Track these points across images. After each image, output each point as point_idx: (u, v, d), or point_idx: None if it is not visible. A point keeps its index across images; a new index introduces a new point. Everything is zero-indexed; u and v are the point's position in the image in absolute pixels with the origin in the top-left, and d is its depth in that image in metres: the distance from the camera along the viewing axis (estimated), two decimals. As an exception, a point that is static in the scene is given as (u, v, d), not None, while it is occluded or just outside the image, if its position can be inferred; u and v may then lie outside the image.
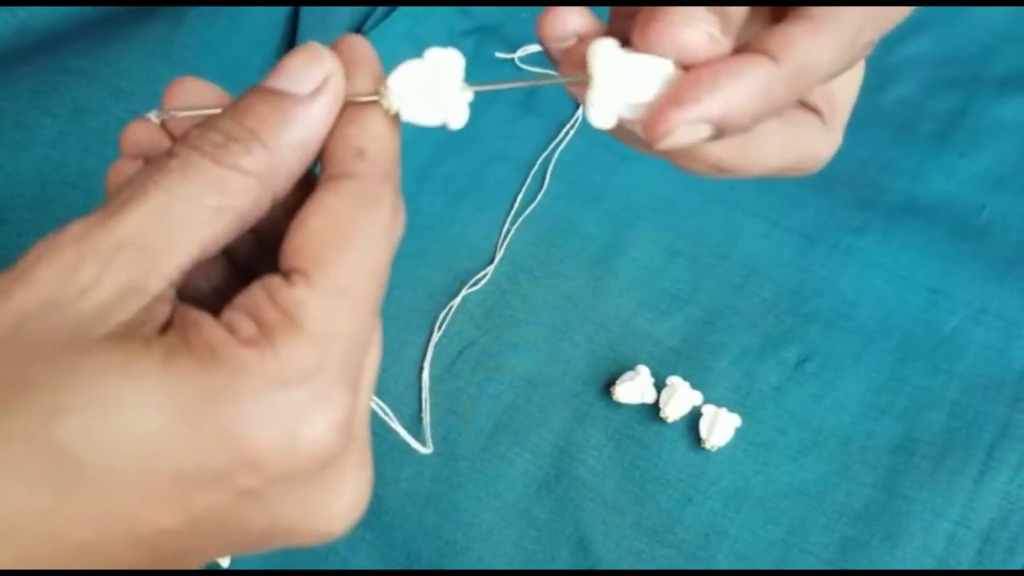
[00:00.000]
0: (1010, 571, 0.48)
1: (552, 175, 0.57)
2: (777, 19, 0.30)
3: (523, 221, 0.55)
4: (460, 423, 0.51)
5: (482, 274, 0.54)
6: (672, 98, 0.27)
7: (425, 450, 0.49)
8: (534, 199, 0.56)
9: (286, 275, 0.25)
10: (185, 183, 0.25)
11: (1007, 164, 0.57)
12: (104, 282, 0.24)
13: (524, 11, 0.61)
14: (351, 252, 0.25)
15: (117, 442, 0.22)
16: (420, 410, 0.51)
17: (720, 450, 0.50)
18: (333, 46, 0.28)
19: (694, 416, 0.50)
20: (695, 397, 0.51)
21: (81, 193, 0.50)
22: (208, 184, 0.25)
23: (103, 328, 0.23)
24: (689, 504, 0.49)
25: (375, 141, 0.27)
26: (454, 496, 0.49)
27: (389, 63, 0.62)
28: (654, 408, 0.51)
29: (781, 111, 0.29)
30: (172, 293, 0.25)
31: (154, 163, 0.25)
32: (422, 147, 0.57)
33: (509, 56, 0.59)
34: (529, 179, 0.57)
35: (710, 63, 0.27)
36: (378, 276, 0.25)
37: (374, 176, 0.26)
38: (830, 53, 0.29)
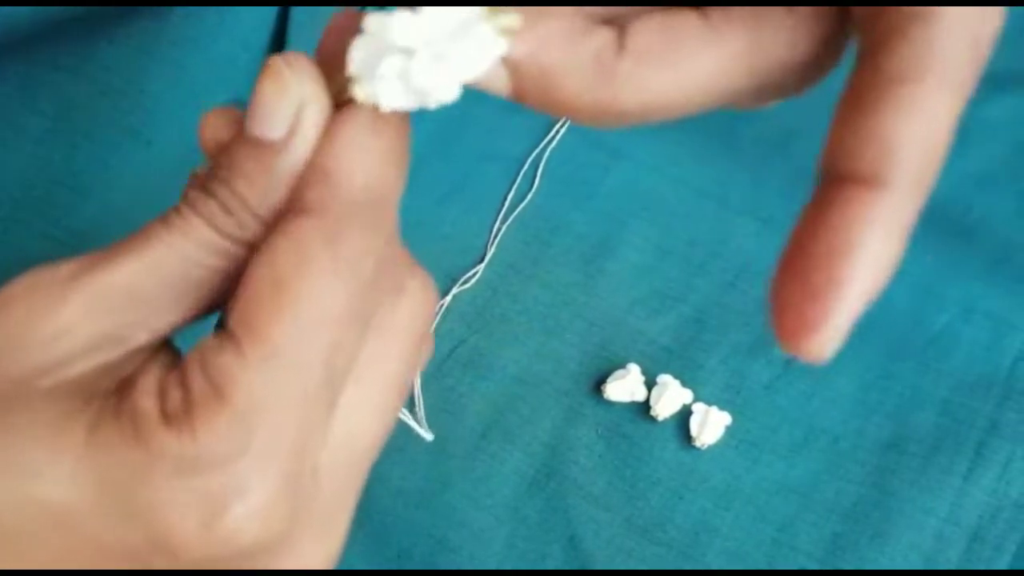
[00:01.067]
0: (998, 571, 0.48)
1: (543, 173, 0.57)
2: None
3: (514, 219, 0.55)
4: (451, 421, 0.51)
5: (472, 272, 0.54)
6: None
7: (428, 436, 0.49)
8: (525, 197, 0.56)
9: (222, 337, 0.23)
10: (186, 243, 0.24)
11: (996, 162, 0.57)
12: (81, 329, 0.23)
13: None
14: (287, 306, 0.22)
15: (31, 509, 0.22)
16: (413, 407, 0.50)
17: (710, 448, 0.50)
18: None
19: (684, 414, 0.50)
20: (685, 395, 0.51)
21: (68, 191, 0.50)
22: (208, 248, 0.24)
23: (55, 379, 0.23)
24: (680, 502, 0.49)
25: (342, 157, 0.24)
26: (446, 494, 0.49)
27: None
28: (645, 406, 0.51)
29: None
30: (157, 347, 0.24)
31: (160, 218, 0.24)
32: (412, 141, 0.57)
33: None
34: (520, 177, 0.56)
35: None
36: (329, 326, 0.22)
37: (333, 206, 0.23)
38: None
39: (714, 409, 0.50)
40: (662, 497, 0.49)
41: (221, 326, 0.25)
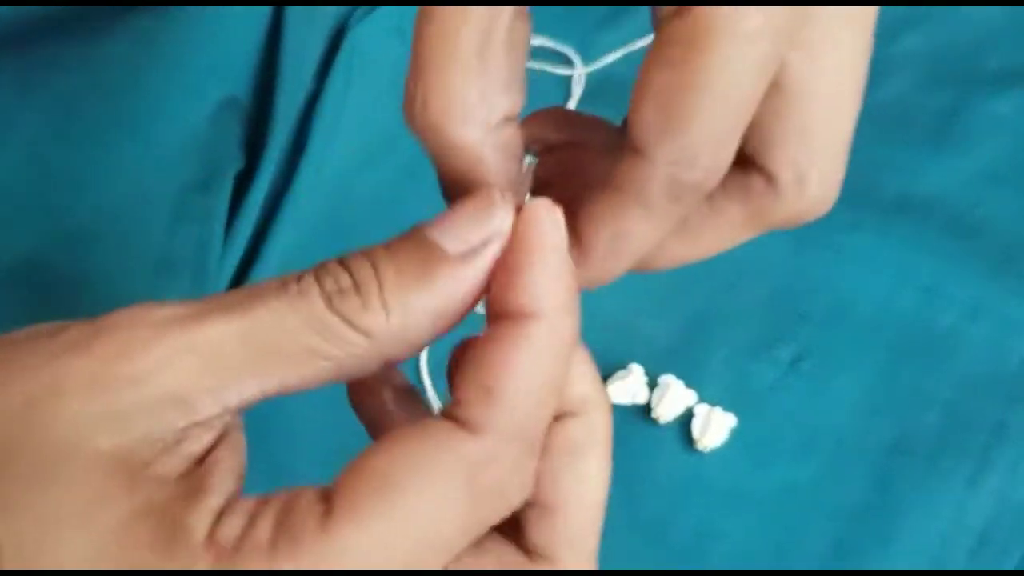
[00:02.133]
0: (1004, 571, 0.48)
1: (543, 171, 0.56)
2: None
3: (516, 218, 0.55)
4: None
5: (472, 272, 0.53)
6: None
7: None
8: (526, 195, 0.55)
9: (320, 493, 0.21)
10: (290, 314, 0.22)
11: (1002, 161, 0.57)
12: (154, 380, 0.21)
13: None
14: (399, 518, 0.21)
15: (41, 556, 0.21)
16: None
17: (713, 450, 0.50)
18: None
19: (687, 416, 0.50)
20: (688, 396, 0.50)
21: (65, 190, 0.50)
22: (313, 325, 0.22)
23: (114, 439, 0.21)
24: (682, 505, 0.49)
25: (515, 379, 0.22)
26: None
27: (378, 59, 0.62)
28: (646, 408, 0.50)
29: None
30: (227, 420, 0.22)
31: (279, 279, 0.23)
32: (408, 141, 0.56)
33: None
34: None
35: None
36: (425, 550, 0.21)
37: (500, 434, 0.21)
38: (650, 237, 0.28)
39: (717, 410, 0.50)
40: (664, 500, 0.49)
41: None
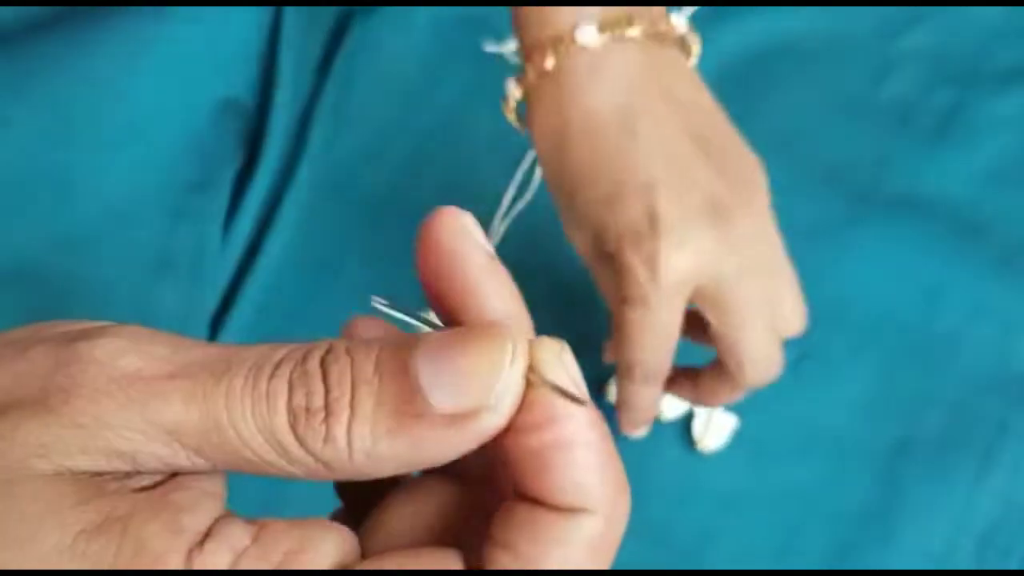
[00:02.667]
0: (1006, 571, 0.47)
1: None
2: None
3: (514, 218, 0.55)
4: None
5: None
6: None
7: None
8: (524, 192, 0.55)
9: (342, 568, 0.20)
10: (251, 422, 0.20)
11: (1005, 160, 0.57)
12: (102, 436, 0.20)
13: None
14: None
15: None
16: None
17: (715, 451, 0.49)
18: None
19: (688, 417, 0.50)
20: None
21: (63, 190, 0.49)
22: (271, 441, 0.20)
23: (64, 464, 0.20)
24: (683, 506, 0.49)
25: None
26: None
27: (375, 56, 0.61)
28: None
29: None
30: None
31: (256, 363, 0.20)
32: (410, 140, 0.57)
33: (497, 49, 0.58)
34: (519, 172, 0.56)
35: None
36: None
37: None
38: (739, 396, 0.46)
39: (718, 411, 0.49)
40: (666, 500, 0.49)
41: None
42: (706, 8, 0.60)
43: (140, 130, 0.51)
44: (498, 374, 0.19)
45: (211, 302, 0.52)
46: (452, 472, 0.23)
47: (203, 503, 0.20)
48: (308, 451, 0.20)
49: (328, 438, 0.20)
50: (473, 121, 0.57)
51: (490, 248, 0.22)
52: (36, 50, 0.50)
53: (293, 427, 0.20)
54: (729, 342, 0.43)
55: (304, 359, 0.20)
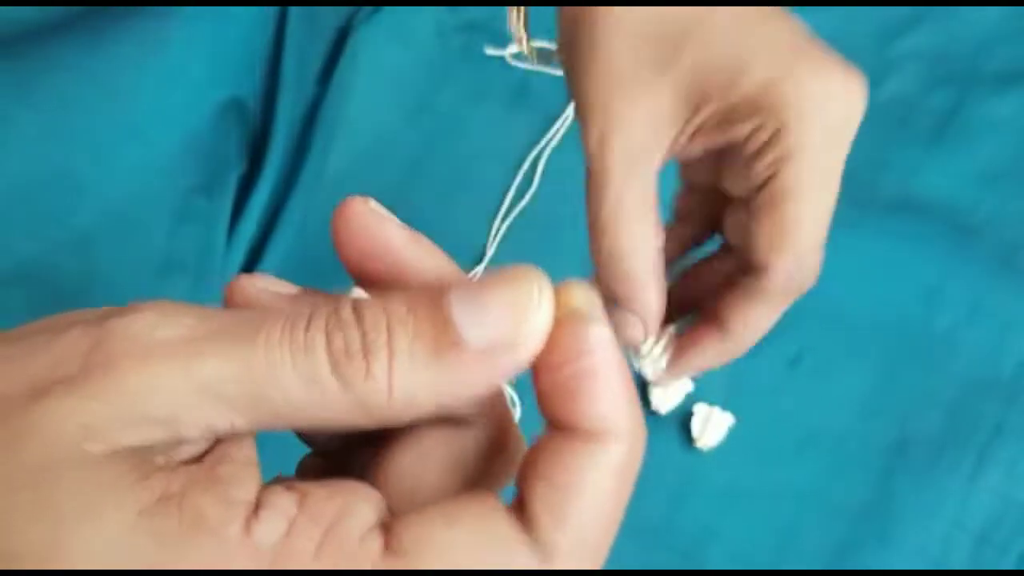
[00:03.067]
0: (1003, 571, 0.48)
1: (543, 171, 0.56)
2: (747, 208, 0.35)
3: (514, 218, 0.55)
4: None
5: (473, 273, 0.53)
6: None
7: None
8: (524, 195, 0.56)
9: (381, 532, 0.20)
10: (292, 370, 0.20)
11: (1002, 161, 0.57)
12: (144, 402, 0.20)
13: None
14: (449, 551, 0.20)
15: (51, 552, 0.20)
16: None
17: (713, 449, 0.50)
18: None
19: (687, 415, 0.50)
20: (685, 385, 0.50)
21: (66, 190, 0.50)
22: (312, 388, 0.20)
23: (111, 445, 0.20)
24: (681, 504, 0.49)
25: (590, 507, 0.21)
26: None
27: (377, 60, 0.62)
28: (645, 401, 0.50)
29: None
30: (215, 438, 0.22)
31: (290, 317, 0.21)
32: (411, 141, 0.57)
33: (499, 53, 0.59)
34: (520, 175, 0.56)
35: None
36: None
37: (569, 561, 0.21)
38: (773, 317, 0.38)
39: (716, 409, 0.50)
40: (664, 499, 0.49)
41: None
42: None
43: (144, 132, 0.51)
44: (527, 311, 0.21)
45: (215, 304, 0.52)
46: (446, 417, 0.24)
47: (246, 474, 0.21)
48: (349, 390, 0.20)
49: (369, 375, 0.20)
50: (474, 124, 0.57)
51: (401, 223, 0.24)
52: (41, 51, 0.50)
53: (335, 371, 0.20)
54: (775, 203, 0.34)
55: (337, 309, 0.21)
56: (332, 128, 0.56)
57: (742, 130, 0.33)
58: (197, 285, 0.50)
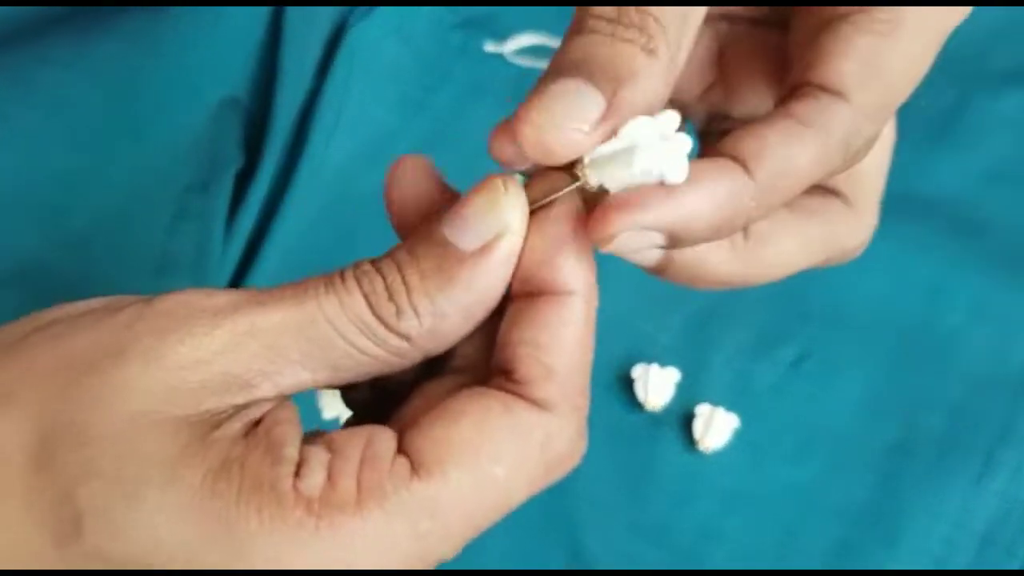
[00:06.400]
0: (1008, 571, 0.47)
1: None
2: (782, 81, 0.29)
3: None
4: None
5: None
6: (620, 202, 0.24)
7: None
8: (525, 195, 0.55)
9: (399, 451, 0.23)
10: (341, 313, 0.24)
11: (1006, 160, 0.57)
12: (216, 364, 0.23)
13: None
14: (483, 480, 0.23)
15: (128, 534, 0.22)
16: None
17: (715, 451, 0.49)
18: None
19: (689, 416, 0.50)
20: (671, 375, 0.50)
21: (64, 190, 0.49)
22: (359, 325, 0.24)
23: (184, 409, 0.23)
24: (684, 506, 0.49)
25: (569, 357, 0.24)
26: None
27: (376, 59, 0.61)
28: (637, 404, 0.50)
29: (752, 221, 0.27)
30: (279, 400, 0.24)
31: (322, 277, 0.24)
32: (408, 139, 0.57)
33: (498, 50, 0.58)
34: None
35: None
36: (495, 514, 0.24)
37: (564, 409, 0.24)
38: (812, 161, 0.26)
39: (719, 411, 0.49)
40: (666, 500, 0.49)
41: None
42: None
43: (141, 130, 0.51)
44: (498, 203, 0.24)
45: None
46: (455, 370, 0.26)
47: (293, 433, 0.23)
48: (388, 326, 0.24)
49: (399, 312, 0.24)
50: (473, 122, 0.57)
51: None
52: (37, 50, 0.50)
53: (372, 309, 0.24)
54: (890, 29, 0.28)
55: (357, 265, 0.24)
56: (330, 125, 0.55)
57: None
58: (195, 283, 0.50)
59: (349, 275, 0.24)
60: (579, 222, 0.25)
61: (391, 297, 0.24)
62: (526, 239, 0.25)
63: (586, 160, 0.24)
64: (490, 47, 0.58)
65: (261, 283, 0.52)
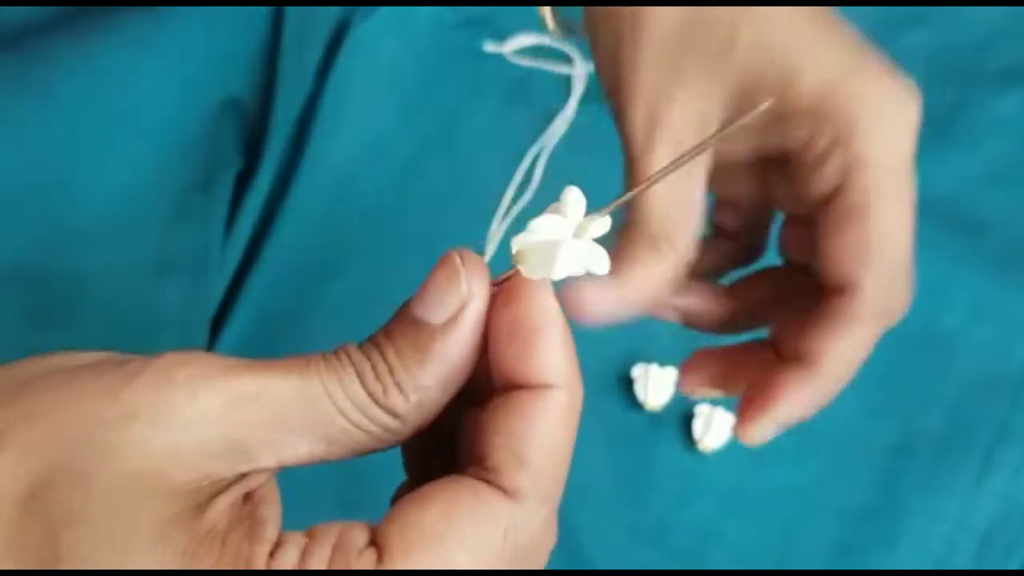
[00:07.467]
0: (1007, 571, 0.47)
1: (543, 168, 0.56)
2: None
3: (513, 218, 0.55)
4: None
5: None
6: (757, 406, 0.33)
7: None
8: (524, 193, 0.55)
9: (370, 534, 0.24)
10: (339, 388, 0.24)
11: (1005, 159, 0.57)
12: (218, 424, 0.23)
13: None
14: (445, 563, 0.23)
15: None
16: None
17: (715, 451, 0.49)
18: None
19: (689, 416, 0.50)
20: (671, 375, 0.50)
21: (65, 190, 0.49)
22: (356, 403, 0.24)
23: (186, 474, 0.23)
24: (684, 505, 0.49)
25: (543, 447, 0.25)
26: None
27: (375, 56, 0.61)
28: (637, 403, 0.50)
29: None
30: (271, 476, 0.25)
31: (325, 353, 0.25)
32: (408, 140, 0.57)
33: (498, 50, 0.58)
34: (520, 172, 0.56)
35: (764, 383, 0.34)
36: None
37: (533, 499, 0.24)
38: (866, 347, 0.33)
39: (719, 411, 0.49)
40: (665, 501, 0.49)
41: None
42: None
43: (141, 130, 0.51)
44: (458, 275, 0.25)
45: (212, 302, 0.52)
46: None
47: (275, 514, 0.24)
48: (379, 404, 0.24)
49: (386, 390, 0.24)
50: (473, 122, 0.57)
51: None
52: (38, 50, 0.50)
53: (364, 387, 0.24)
54: (858, 214, 0.32)
55: (344, 348, 0.25)
56: (330, 125, 0.55)
57: (797, 135, 0.32)
58: (194, 283, 0.50)
59: (343, 353, 0.25)
60: (555, 305, 0.26)
61: (378, 377, 0.25)
62: (500, 333, 0.25)
63: (513, 250, 0.26)
64: (490, 47, 0.58)
65: (262, 283, 0.52)
